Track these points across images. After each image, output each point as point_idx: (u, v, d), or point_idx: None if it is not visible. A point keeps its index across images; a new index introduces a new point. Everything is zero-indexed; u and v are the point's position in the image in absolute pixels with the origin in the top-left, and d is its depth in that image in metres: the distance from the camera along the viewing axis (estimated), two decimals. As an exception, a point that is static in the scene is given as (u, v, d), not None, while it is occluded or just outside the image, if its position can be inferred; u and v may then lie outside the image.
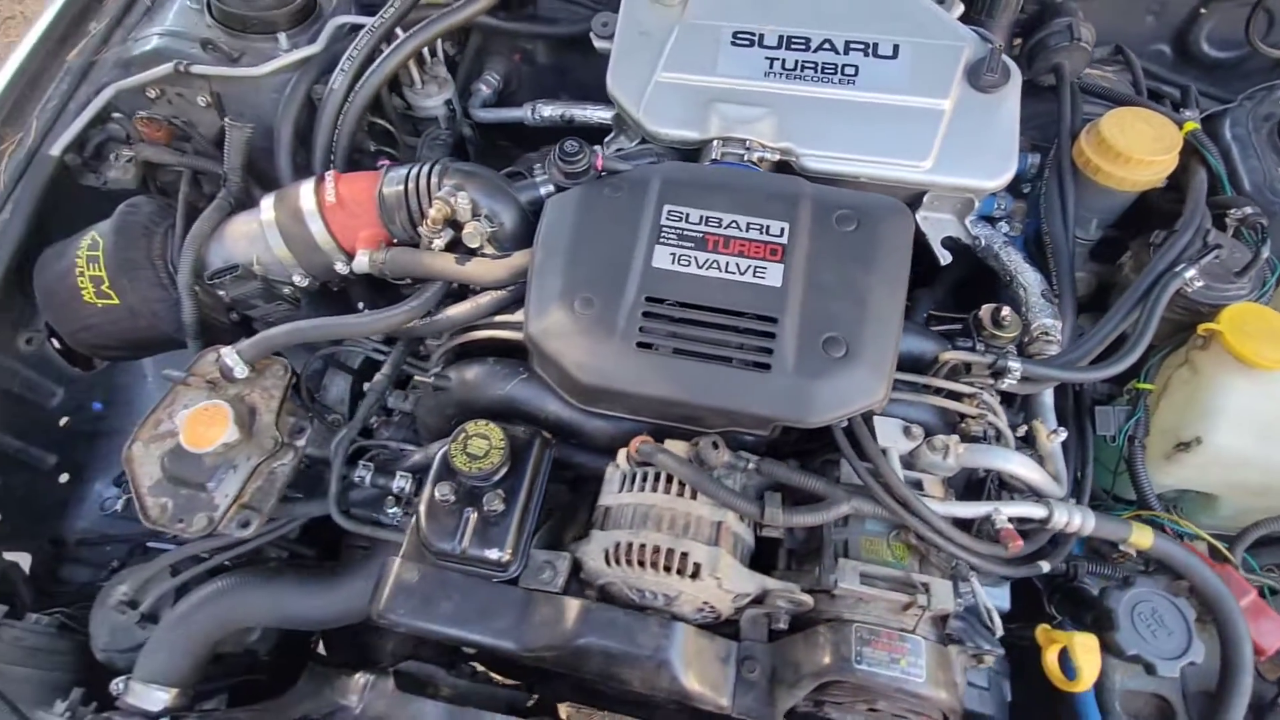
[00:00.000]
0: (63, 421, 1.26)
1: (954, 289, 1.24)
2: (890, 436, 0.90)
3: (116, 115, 1.15)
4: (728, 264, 0.91)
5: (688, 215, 0.94)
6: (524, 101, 1.35)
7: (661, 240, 0.93)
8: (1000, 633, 0.81)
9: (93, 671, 1.01)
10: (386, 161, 1.17)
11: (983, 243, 1.11)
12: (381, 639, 1.20)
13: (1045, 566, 0.86)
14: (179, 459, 0.92)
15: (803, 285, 0.89)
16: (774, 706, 0.80)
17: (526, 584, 0.85)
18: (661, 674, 0.78)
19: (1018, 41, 1.24)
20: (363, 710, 0.92)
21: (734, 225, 0.93)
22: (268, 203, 1.04)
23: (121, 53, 1.18)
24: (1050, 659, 0.81)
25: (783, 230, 0.92)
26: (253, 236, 1.05)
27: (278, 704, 0.98)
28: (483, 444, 0.85)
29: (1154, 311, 0.92)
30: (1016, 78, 1.06)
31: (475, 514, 0.85)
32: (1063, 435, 0.96)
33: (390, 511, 1.02)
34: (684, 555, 0.80)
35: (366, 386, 1.06)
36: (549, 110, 1.33)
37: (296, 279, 1.07)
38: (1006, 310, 0.98)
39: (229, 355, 0.95)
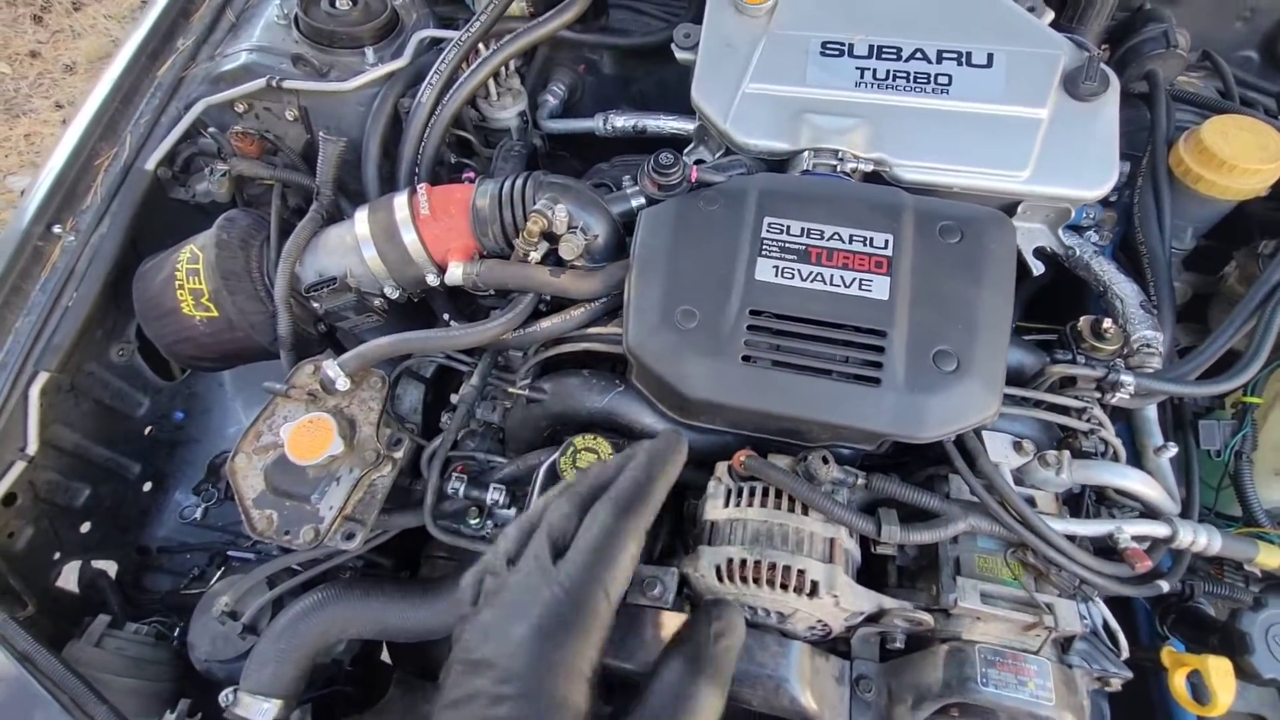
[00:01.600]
0: (147, 431, 1.27)
1: (1029, 303, 1.23)
2: (1000, 452, 0.89)
3: (211, 130, 1.16)
4: (832, 276, 0.90)
5: (789, 227, 0.93)
6: (586, 113, 1.36)
7: (764, 253, 0.92)
8: (1126, 655, 0.79)
9: (186, 682, 1.02)
10: (473, 174, 1.18)
11: (1076, 253, 1.10)
12: (441, 651, 1.20)
13: (1165, 586, 0.84)
14: (283, 471, 0.92)
15: (910, 298, 0.88)
16: (892, 729, 0.78)
17: (634, 600, 0.84)
18: (781, 693, 0.77)
19: (1104, 47, 1.22)
20: None
21: (836, 237, 0.92)
22: (361, 215, 1.05)
23: (210, 69, 1.20)
24: (1178, 683, 0.79)
25: (887, 242, 0.91)
26: (346, 249, 1.06)
27: (374, 714, 0.98)
28: (591, 458, 0.85)
29: (1272, 322, 0.90)
30: (1115, 86, 1.04)
31: (584, 528, 0.84)
32: (1172, 450, 0.94)
33: (472, 523, 1.02)
34: (800, 573, 0.79)
35: (455, 398, 1.06)
36: (621, 121, 1.33)
37: (388, 291, 1.07)
38: (1109, 322, 0.97)
39: (330, 367, 0.95)
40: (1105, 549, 0.85)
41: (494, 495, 1.00)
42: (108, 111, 1.15)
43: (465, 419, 1.05)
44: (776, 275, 0.90)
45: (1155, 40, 1.12)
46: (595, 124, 1.34)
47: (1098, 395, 0.94)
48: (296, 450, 0.90)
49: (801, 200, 0.95)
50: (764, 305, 0.89)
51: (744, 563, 0.81)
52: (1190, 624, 0.88)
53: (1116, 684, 0.79)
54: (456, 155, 1.27)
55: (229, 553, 1.26)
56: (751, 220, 0.94)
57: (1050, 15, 1.14)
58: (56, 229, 1.07)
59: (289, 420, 0.95)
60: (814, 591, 0.78)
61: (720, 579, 0.82)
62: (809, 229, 0.93)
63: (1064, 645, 0.80)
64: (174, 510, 1.33)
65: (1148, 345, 0.99)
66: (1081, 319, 0.99)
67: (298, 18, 1.19)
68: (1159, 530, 0.83)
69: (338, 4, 1.20)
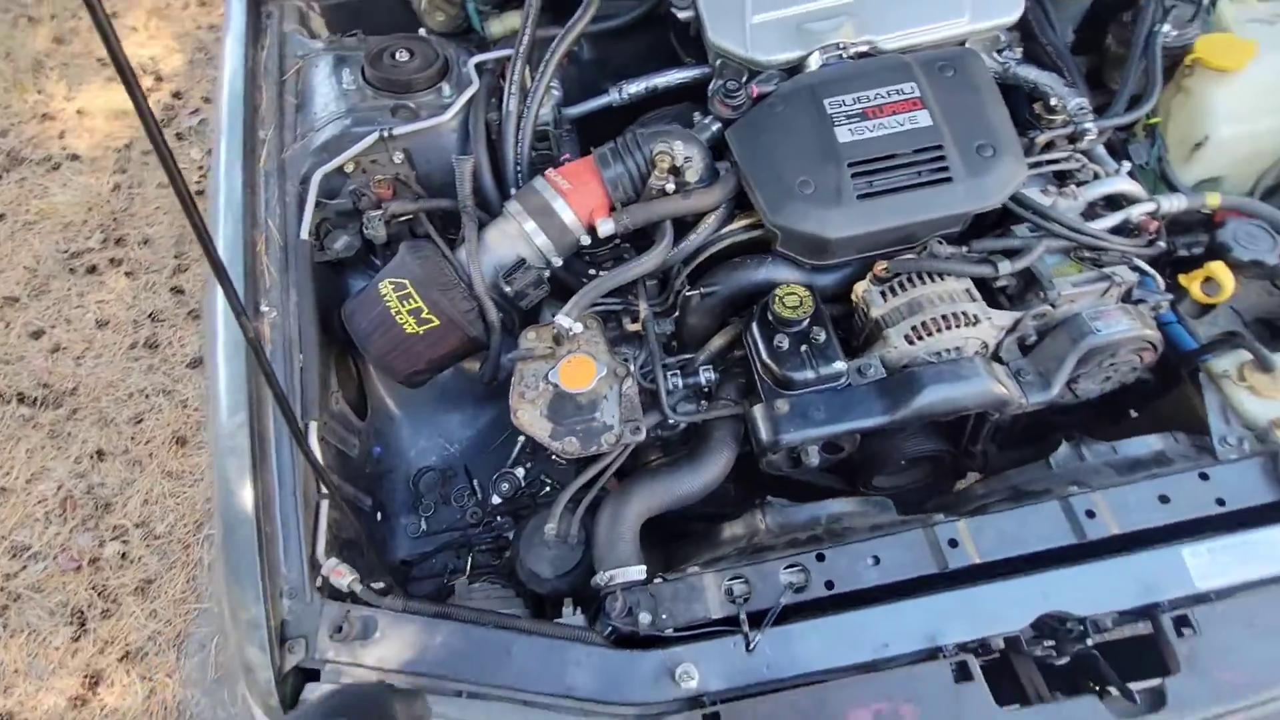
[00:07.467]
0: (367, 469, 1.44)
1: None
2: (1037, 197, 1.27)
3: (351, 188, 1.33)
4: (889, 123, 1.24)
5: (844, 101, 1.26)
6: (574, 100, 1.58)
7: (836, 124, 1.25)
8: (1163, 286, 1.21)
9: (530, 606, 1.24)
10: (568, 155, 1.42)
11: (1008, 68, 1.50)
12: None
13: (1162, 244, 1.26)
14: (563, 406, 1.16)
15: (943, 118, 1.24)
16: (1052, 390, 1.16)
17: (858, 382, 1.16)
18: (984, 392, 1.12)
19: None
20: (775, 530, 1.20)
21: (879, 96, 1.26)
22: (515, 207, 1.28)
23: (305, 145, 1.37)
24: (1195, 287, 1.21)
25: (913, 88, 1.27)
26: (512, 238, 1.29)
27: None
28: (794, 298, 1.15)
29: (1156, 57, 1.34)
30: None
31: (807, 347, 1.15)
32: (1128, 166, 1.36)
33: (684, 407, 1.29)
34: (964, 314, 1.14)
35: (642, 321, 1.31)
36: (634, 87, 1.59)
37: (554, 261, 1.31)
38: (1055, 99, 1.37)
39: (563, 320, 1.19)
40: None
41: (705, 376, 1.27)
42: (248, 203, 1.29)
43: (658, 333, 1.31)
44: (853, 135, 1.24)
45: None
46: (611, 97, 1.60)
47: (1071, 147, 1.35)
48: (571, 383, 1.14)
49: (843, 81, 1.28)
50: (856, 157, 1.22)
51: (924, 324, 1.14)
52: (1181, 264, 1.31)
53: (1165, 306, 1.20)
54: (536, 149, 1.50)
55: (471, 538, 1.46)
56: (815, 107, 1.26)
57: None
58: (264, 309, 1.22)
59: (539, 374, 1.19)
60: (977, 322, 1.13)
61: (910, 342, 1.15)
62: (858, 97, 1.27)
63: (1125, 296, 1.20)
64: (400, 531, 1.50)
65: (1081, 108, 1.41)
66: (1035, 105, 1.39)
67: (368, 76, 1.38)
68: (1150, 206, 1.25)
69: (397, 57, 1.39)
